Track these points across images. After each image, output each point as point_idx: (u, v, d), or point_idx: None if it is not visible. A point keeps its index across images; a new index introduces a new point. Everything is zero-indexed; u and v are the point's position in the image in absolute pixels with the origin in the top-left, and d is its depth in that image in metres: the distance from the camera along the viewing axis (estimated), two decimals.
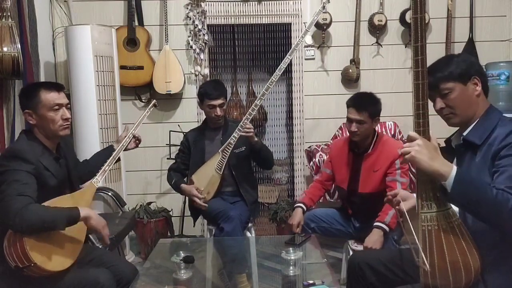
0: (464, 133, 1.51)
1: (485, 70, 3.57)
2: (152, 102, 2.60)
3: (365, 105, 2.35)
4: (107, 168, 2.15)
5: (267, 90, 2.65)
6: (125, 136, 2.31)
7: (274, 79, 2.65)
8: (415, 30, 1.28)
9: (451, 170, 1.29)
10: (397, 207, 1.54)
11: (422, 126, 1.33)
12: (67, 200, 1.85)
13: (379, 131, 2.62)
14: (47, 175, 1.82)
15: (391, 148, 2.38)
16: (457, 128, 1.60)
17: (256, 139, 2.64)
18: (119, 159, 2.31)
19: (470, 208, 1.32)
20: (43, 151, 1.86)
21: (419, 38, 1.28)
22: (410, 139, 1.33)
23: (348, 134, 2.51)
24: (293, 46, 2.68)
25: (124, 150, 2.31)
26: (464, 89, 1.48)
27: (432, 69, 1.51)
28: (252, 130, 2.58)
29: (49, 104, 1.85)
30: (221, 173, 2.65)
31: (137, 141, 2.38)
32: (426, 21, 3.59)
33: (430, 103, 1.41)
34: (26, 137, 1.87)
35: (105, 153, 2.28)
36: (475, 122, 1.50)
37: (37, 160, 1.79)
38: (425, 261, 1.32)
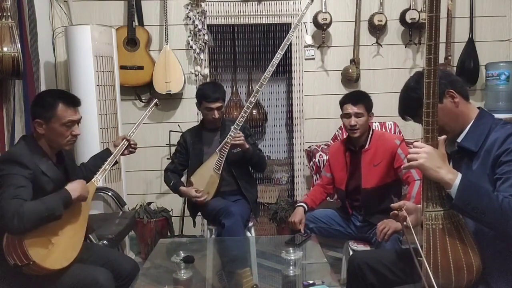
0: (459, 140, 1.49)
1: (486, 70, 3.60)
2: (154, 102, 2.57)
3: (360, 98, 2.45)
4: (107, 167, 2.15)
5: (261, 87, 2.66)
6: (123, 139, 2.29)
7: (267, 75, 2.65)
8: (429, 28, 1.29)
9: (456, 178, 1.30)
10: (404, 222, 1.54)
11: (431, 125, 1.33)
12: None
13: (374, 128, 2.66)
14: (45, 180, 1.81)
15: (388, 140, 2.44)
16: None
17: (247, 146, 2.64)
18: (116, 162, 2.29)
19: (475, 216, 1.31)
20: (42, 156, 1.85)
21: (433, 36, 1.29)
22: (417, 147, 1.34)
23: (346, 133, 2.54)
24: (284, 41, 2.68)
25: (120, 155, 2.28)
26: (442, 107, 1.46)
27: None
28: (242, 138, 2.59)
29: (63, 120, 1.84)
30: (219, 172, 2.65)
31: (131, 148, 2.31)
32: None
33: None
34: (26, 142, 1.85)
35: (102, 156, 2.26)
36: (468, 128, 1.49)
37: (35, 165, 1.78)
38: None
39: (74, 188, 1.82)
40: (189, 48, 3.63)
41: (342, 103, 2.47)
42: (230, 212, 2.51)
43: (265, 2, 3.65)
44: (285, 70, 3.95)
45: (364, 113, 2.40)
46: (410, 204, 1.63)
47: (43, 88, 3.18)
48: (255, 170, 2.91)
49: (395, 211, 1.58)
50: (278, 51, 2.68)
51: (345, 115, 2.44)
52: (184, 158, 2.80)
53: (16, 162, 1.73)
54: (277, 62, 2.69)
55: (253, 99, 2.65)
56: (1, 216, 1.61)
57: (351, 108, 2.40)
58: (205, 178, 2.67)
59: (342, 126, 3.50)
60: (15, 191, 1.66)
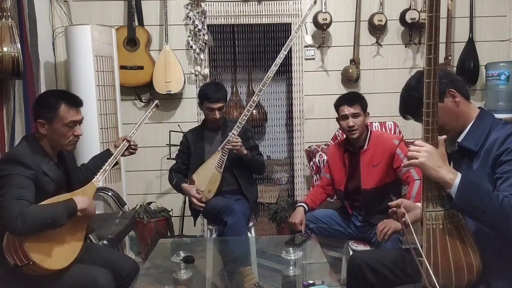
0: (459, 140, 1.50)
1: (486, 70, 3.60)
2: (155, 103, 2.58)
3: (356, 99, 2.45)
4: (108, 168, 2.15)
5: (264, 86, 2.67)
6: (124, 140, 2.30)
7: (270, 74, 2.66)
8: (429, 28, 1.30)
9: (456, 177, 1.30)
10: (403, 219, 1.54)
11: (431, 125, 1.33)
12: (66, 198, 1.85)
13: (373, 128, 2.66)
14: (46, 181, 1.82)
15: (386, 140, 2.44)
16: None
17: (245, 152, 2.65)
18: (117, 163, 2.30)
19: (476, 216, 1.31)
20: (43, 157, 1.85)
21: (433, 36, 1.30)
22: (418, 145, 1.35)
23: (345, 135, 2.54)
24: (287, 41, 2.68)
25: (121, 156, 2.29)
26: (443, 106, 1.46)
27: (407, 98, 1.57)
28: (239, 143, 2.60)
29: (66, 120, 1.85)
30: (221, 171, 2.66)
31: (131, 149, 2.32)
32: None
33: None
34: (28, 142, 1.86)
35: (102, 157, 2.27)
36: (469, 128, 1.49)
37: (37, 165, 1.78)
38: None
39: (81, 200, 1.82)
40: (189, 48, 3.63)
41: (338, 105, 2.47)
42: (233, 209, 2.52)
43: (265, 2, 3.65)
44: (285, 70, 3.95)
45: (360, 112, 2.41)
46: (408, 201, 1.64)
47: (43, 88, 3.18)
48: (253, 173, 2.92)
49: (394, 208, 1.58)
50: (282, 51, 2.70)
51: (342, 117, 2.44)
52: (186, 158, 2.81)
53: (18, 162, 1.73)
54: (281, 62, 2.69)
55: (256, 98, 2.66)
56: (3, 215, 1.61)
57: (347, 110, 2.41)
58: (207, 176, 2.68)
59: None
60: (19, 192, 1.66)
